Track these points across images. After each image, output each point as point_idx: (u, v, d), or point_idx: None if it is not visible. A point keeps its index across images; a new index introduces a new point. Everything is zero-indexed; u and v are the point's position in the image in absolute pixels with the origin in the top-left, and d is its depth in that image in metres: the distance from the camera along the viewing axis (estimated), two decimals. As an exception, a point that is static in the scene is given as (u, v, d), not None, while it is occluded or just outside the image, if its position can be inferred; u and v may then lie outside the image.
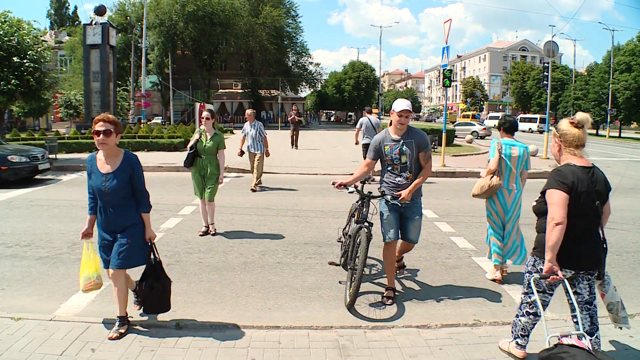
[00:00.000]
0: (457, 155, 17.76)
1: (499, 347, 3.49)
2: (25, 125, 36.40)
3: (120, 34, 39.02)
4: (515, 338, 3.27)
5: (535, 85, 56.63)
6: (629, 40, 42.19)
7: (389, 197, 4.33)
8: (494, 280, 5.04)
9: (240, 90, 48.68)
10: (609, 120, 43.49)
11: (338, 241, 5.58)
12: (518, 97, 63.21)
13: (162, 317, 4.01)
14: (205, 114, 6.64)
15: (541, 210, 3.01)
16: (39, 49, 15.57)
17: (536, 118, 47.27)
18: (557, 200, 2.79)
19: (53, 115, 39.93)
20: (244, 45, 43.23)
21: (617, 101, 41.00)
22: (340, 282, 4.74)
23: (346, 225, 5.31)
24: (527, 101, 61.01)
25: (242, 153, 10.62)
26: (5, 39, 14.47)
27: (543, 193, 2.96)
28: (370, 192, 4.51)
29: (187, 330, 3.73)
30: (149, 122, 32.29)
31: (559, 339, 2.61)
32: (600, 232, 2.97)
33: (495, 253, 4.98)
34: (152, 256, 3.75)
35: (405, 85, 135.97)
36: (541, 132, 44.28)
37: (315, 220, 7.68)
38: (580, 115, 2.97)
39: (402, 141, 4.30)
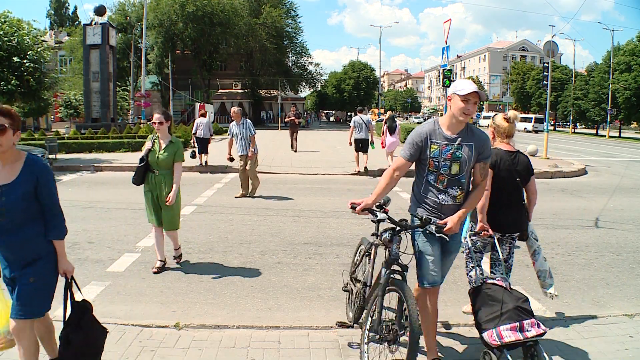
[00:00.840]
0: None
1: (463, 312, 4.11)
2: (25, 126, 36.38)
3: (120, 34, 39.05)
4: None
5: (535, 85, 56.61)
6: (628, 40, 42.20)
7: (433, 227, 3.00)
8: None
9: (240, 91, 48.67)
10: (608, 120, 43.48)
11: (344, 289, 4.05)
12: (518, 97, 63.15)
13: (162, 317, 4.01)
14: (157, 117, 5.06)
15: None
16: (38, 49, 15.58)
17: (532, 118, 48.52)
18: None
19: (53, 116, 39.95)
20: (243, 45, 43.22)
21: (617, 101, 40.99)
22: (351, 346, 3.40)
23: (354, 268, 3.92)
24: (527, 101, 60.96)
25: (231, 159, 9.65)
26: (5, 39, 14.48)
27: None
28: (405, 220, 3.11)
29: (187, 330, 3.73)
30: (148, 122, 32.28)
31: (486, 280, 3.27)
32: (526, 205, 3.80)
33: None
34: (69, 298, 2.75)
35: (405, 85, 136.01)
36: (536, 131, 45.09)
37: (315, 220, 7.68)
38: (511, 113, 3.78)
39: (458, 141, 2.99)
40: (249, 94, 46.97)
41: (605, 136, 43.92)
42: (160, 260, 5.21)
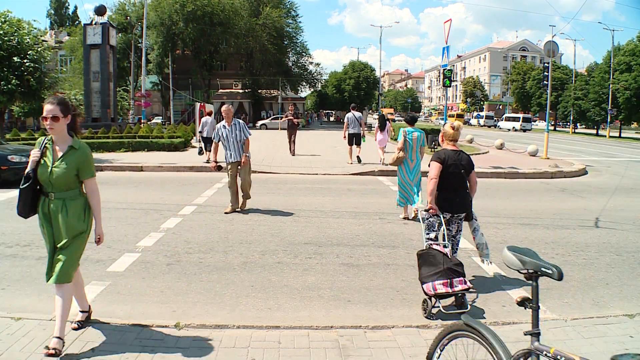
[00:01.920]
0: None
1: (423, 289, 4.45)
2: (26, 125, 36.40)
3: (120, 34, 39.09)
4: None
5: (536, 85, 56.64)
6: (629, 40, 42.22)
7: None
8: (405, 218, 7.63)
9: (240, 90, 48.68)
10: (609, 120, 43.47)
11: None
12: (518, 97, 63.17)
13: (162, 317, 4.01)
14: (48, 109, 3.29)
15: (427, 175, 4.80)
16: (39, 49, 15.59)
17: (519, 117, 51.63)
18: (433, 167, 4.63)
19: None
20: (244, 45, 43.22)
21: (617, 101, 40.99)
22: None
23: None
24: (527, 101, 60.96)
25: (219, 167, 8.23)
26: (6, 38, 14.49)
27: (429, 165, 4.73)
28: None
29: (187, 330, 3.73)
30: (149, 122, 32.29)
31: (431, 245, 4.40)
32: (469, 192, 4.78)
33: (400, 199, 7.57)
34: None
35: (406, 85, 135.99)
36: (524, 130, 46.48)
37: (315, 220, 7.68)
38: (456, 123, 4.85)
39: None
40: (249, 94, 46.99)
41: (605, 136, 43.91)
42: (82, 311, 3.76)
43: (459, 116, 62.93)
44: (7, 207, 8.42)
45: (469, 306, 4.18)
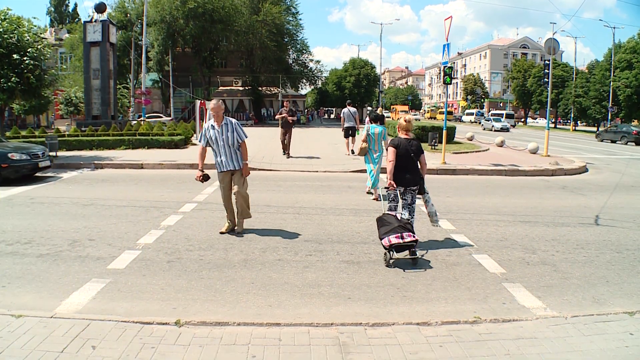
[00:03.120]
0: (458, 153, 17.74)
1: (382, 244, 5.44)
2: (26, 123, 36.37)
3: (120, 32, 38.98)
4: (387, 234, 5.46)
5: (536, 83, 56.46)
6: (630, 38, 42.10)
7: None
8: (375, 200, 8.94)
9: (240, 88, 48.59)
10: (609, 117, 43.41)
11: None
12: (519, 95, 63.02)
13: (162, 314, 4.01)
14: None
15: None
16: (39, 47, 15.55)
17: (502, 114, 54.84)
18: (390, 152, 5.86)
19: (53, 113, 39.90)
20: (244, 42, 43.08)
21: (618, 99, 40.90)
22: None
23: None
24: (527, 99, 60.83)
25: (205, 177, 6.45)
26: (5, 36, 14.45)
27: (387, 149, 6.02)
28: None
29: (188, 327, 3.73)
30: (149, 120, 32.25)
31: (387, 212, 5.85)
32: (419, 170, 6.00)
33: (370, 183, 9.04)
34: None
35: (406, 83, 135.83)
36: (510, 126, 48.35)
37: (315, 217, 7.68)
38: (408, 117, 6.15)
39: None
40: (250, 92, 46.90)
41: (606, 134, 43.81)
42: None
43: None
44: (7, 205, 8.43)
45: (417, 254, 5.49)
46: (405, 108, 70.91)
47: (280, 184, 10.93)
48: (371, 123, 9.07)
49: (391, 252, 5.31)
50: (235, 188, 6.48)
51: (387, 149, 6.05)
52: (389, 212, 5.72)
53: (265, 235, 6.57)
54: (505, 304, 4.40)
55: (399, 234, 5.24)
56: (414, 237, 5.30)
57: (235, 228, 6.70)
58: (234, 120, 6.48)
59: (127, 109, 36.29)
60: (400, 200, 6.00)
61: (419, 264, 5.44)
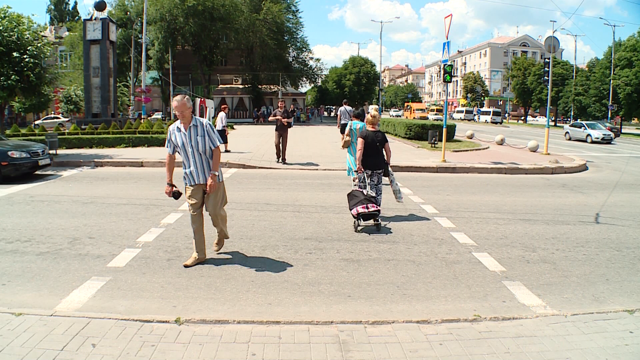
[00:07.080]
0: (458, 151, 17.73)
1: (352, 214, 6.71)
2: (26, 121, 36.35)
3: (120, 30, 38.91)
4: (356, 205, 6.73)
5: (536, 81, 56.37)
6: (630, 36, 41.96)
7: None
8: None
9: (240, 86, 48.52)
10: (609, 115, 43.35)
11: None
12: (519, 93, 62.91)
13: (162, 312, 4.02)
14: None
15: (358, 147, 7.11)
16: (38, 45, 15.53)
17: (490, 111, 59.57)
18: (359, 142, 7.05)
19: (53, 111, 39.88)
20: (244, 40, 43.04)
21: (618, 97, 40.82)
22: None
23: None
24: (527, 97, 60.74)
25: (176, 194, 5.37)
26: (5, 34, 14.43)
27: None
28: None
29: (188, 325, 3.73)
30: (149, 118, 32.26)
31: (356, 189, 7.04)
32: (384, 156, 7.21)
33: (349, 171, 8.92)
34: None
35: (406, 81, 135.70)
36: (494, 122, 53.18)
37: (315, 215, 7.69)
38: (374, 112, 7.35)
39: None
40: (250, 89, 46.86)
41: (606, 132, 43.76)
42: None
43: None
44: (7, 203, 8.42)
45: (381, 222, 6.84)
46: (422, 106, 72.14)
47: (280, 182, 10.93)
48: (354, 119, 9.52)
49: (359, 220, 6.66)
50: (210, 209, 5.26)
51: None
52: (358, 189, 6.92)
53: (265, 233, 6.58)
54: (505, 302, 4.40)
55: (365, 205, 6.58)
56: (377, 207, 6.67)
57: (216, 246, 5.71)
58: (204, 121, 5.18)
59: (127, 107, 36.28)
60: (368, 180, 7.07)
61: (419, 262, 5.43)
